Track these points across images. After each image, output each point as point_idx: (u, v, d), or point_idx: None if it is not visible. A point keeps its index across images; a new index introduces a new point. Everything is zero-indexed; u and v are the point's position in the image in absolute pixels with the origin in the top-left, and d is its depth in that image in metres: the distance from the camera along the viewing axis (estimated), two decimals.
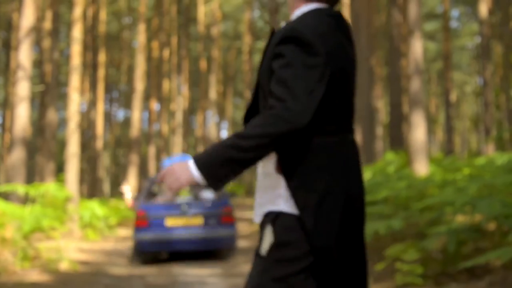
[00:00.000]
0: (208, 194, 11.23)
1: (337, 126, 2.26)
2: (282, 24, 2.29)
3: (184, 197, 11.91)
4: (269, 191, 2.27)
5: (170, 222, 10.44)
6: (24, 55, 14.22)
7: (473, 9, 47.29)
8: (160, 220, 10.43)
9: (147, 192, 11.25)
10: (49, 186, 11.72)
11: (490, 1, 27.80)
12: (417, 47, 12.45)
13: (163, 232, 10.37)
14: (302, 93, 2.07)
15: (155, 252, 10.65)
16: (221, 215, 10.57)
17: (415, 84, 12.30)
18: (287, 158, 2.21)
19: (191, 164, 2.12)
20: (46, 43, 22.93)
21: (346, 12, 31.91)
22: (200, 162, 2.10)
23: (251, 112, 2.39)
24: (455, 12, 53.61)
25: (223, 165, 2.08)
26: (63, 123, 54.92)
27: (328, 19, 2.28)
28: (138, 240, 10.45)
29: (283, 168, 2.21)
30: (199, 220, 10.46)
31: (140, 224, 10.46)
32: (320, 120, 2.21)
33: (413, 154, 12.12)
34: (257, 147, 2.06)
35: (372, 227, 7.43)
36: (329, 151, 2.23)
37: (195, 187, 10.97)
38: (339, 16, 2.35)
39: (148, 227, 10.40)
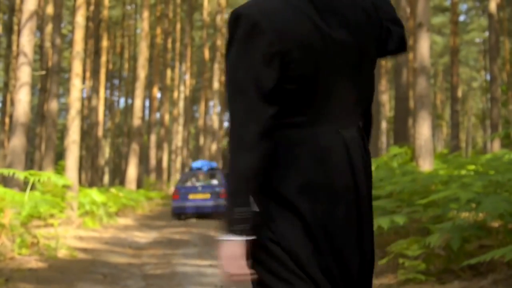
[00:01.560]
0: (214, 181, 18.73)
1: (309, 118, 1.98)
2: None
3: (201, 182, 18.80)
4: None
5: (191, 196, 18.04)
6: (26, 40, 14.06)
7: (482, 3, 47.03)
8: (186, 195, 18.04)
9: (181, 180, 19.47)
10: (48, 173, 11.61)
11: None
12: (424, 41, 12.29)
13: (186, 202, 17.98)
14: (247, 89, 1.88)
15: (181, 213, 18.12)
16: (220, 193, 17.51)
17: (422, 80, 12.15)
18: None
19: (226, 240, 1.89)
20: (49, 28, 22.80)
21: None
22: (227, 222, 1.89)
23: None
24: (463, 6, 53.34)
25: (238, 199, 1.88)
26: (63, 109, 54.84)
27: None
28: (173, 206, 18.34)
29: None
30: (207, 196, 17.96)
31: (174, 197, 18.33)
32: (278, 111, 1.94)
33: (418, 150, 11.99)
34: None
35: (376, 222, 7.31)
36: (290, 145, 1.97)
37: (208, 176, 18.91)
38: None
39: (178, 199, 18.11)
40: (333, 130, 2.00)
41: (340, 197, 1.98)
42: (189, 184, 18.88)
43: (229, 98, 1.92)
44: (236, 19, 1.92)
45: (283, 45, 1.90)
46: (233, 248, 1.87)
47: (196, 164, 19.92)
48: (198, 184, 18.63)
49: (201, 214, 18.03)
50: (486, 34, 45.62)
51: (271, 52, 1.89)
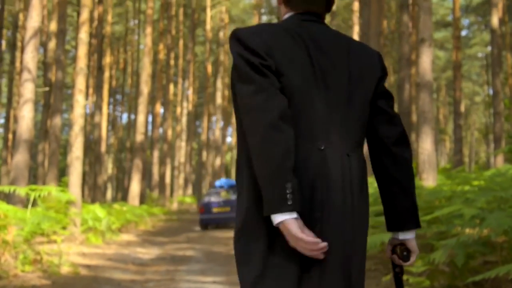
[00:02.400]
0: (233, 196, 21.04)
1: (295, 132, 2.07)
2: None
3: (222, 198, 21.36)
4: None
5: (214, 210, 20.98)
6: (30, 57, 14.12)
7: (484, 18, 47.17)
8: (210, 209, 21.01)
9: (206, 196, 21.81)
10: (49, 188, 11.60)
11: (501, 11, 27.64)
12: (427, 57, 12.30)
13: (211, 215, 20.99)
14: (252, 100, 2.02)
15: (207, 224, 21.14)
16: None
17: (424, 96, 12.16)
18: (237, 165, 2.21)
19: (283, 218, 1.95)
20: (52, 44, 22.88)
21: (356, 20, 31.82)
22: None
23: None
24: (465, 21, 53.54)
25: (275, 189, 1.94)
26: (66, 124, 54.94)
27: (293, 21, 2.22)
28: (200, 218, 21.20)
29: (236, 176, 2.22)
30: (227, 209, 20.88)
31: (201, 211, 21.18)
32: None
33: (421, 165, 11.97)
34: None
35: (379, 238, 7.27)
36: None
37: (228, 192, 21.60)
38: (315, 21, 2.26)
39: (204, 212, 21.05)
40: (315, 147, 2.09)
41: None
42: (212, 199, 21.38)
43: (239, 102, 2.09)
44: (234, 35, 2.12)
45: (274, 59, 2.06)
46: (291, 227, 1.93)
47: (219, 182, 22.65)
48: (220, 199, 21.25)
49: (222, 224, 21.42)
50: (489, 48, 45.71)
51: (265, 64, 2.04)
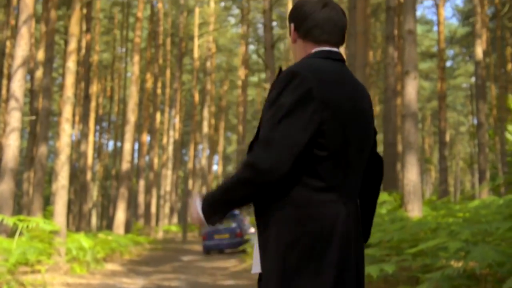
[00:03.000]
0: (234, 224, 23.16)
1: (327, 185, 2.19)
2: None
3: (223, 225, 22.66)
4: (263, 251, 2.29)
5: (216, 236, 22.97)
6: (17, 85, 14.12)
7: (468, 49, 47.72)
8: (212, 236, 23.01)
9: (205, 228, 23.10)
10: (37, 219, 11.53)
11: (485, 43, 28.00)
12: (412, 88, 12.42)
13: (212, 241, 22.99)
14: (280, 143, 2.09)
15: (209, 249, 23.02)
16: (236, 233, 22.90)
17: (409, 127, 12.25)
18: (262, 207, 2.26)
19: (199, 205, 2.33)
20: (39, 72, 22.88)
21: (342, 50, 32.10)
22: (203, 205, 2.31)
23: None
24: (450, 52, 54.14)
25: (215, 208, 2.28)
26: (52, 151, 54.68)
27: (334, 64, 2.32)
28: (203, 245, 23.15)
29: (256, 217, 2.28)
30: (227, 236, 22.89)
31: (204, 238, 23.15)
32: (301, 170, 2.18)
33: (406, 196, 12.02)
34: (241, 194, 2.19)
35: (365, 271, 7.29)
36: (299, 206, 2.18)
37: (229, 220, 23.14)
38: (343, 63, 2.38)
39: (207, 239, 23.06)
40: (340, 201, 2.21)
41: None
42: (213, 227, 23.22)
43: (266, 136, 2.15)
44: (292, 76, 2.17)
45: (324, 114, 2.15)
46: (197, 214, 2.36)
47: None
48: (220, 227, 22.93)
49: (222, 249, 23.36)
50: (473, 79, 46.18)
51: (313, 118, 2.13)
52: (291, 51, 2.40)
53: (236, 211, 24.54)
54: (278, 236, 2.17)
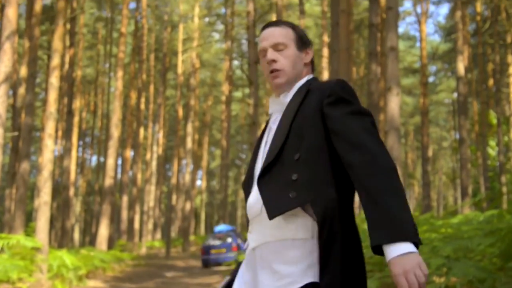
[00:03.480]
0: (229, 239, 24.80)
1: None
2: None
3: (219, 241, 24.80)
4: (299, 261, 2.21)
5: (212, 251, 24.45)
6: (0, 102, 14.04)
7: (451, 65, 48.14)
8: (209, 251, 24.50)
9: (206, 240, 25.49)
10: (18, 237, 11.43)
11: (467, 59, 28.26)
12: (394, 104, 12.50)
13: (210, 255, 24.41)
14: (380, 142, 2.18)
15: (207, 263, 24.35)
16: (232, 247, 24.27)
17: (392, 141, 12.31)
18: (331, 223, 2.19)
19: (411, 248, 1.96)
20: (22, 89, 22.77)
21: (325, 66, 32.28)
22: (416, 240, 1.98)
23: (271, 167, 2.30)
24: (432, 68, 54.59)
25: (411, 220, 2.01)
26: (34, 167, 54.31)
27: None
28: (202, 259, 24.66)
29: (327, 235, 2.18)
30: (223, 250, 24.34)
31: (202, 253, 24.78)
32: (350, 187, 2.31)
33: None
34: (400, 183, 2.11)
35: None
36: (354, 222, 2.27)
37: (225, 236, 25.21)
38: None
39: (205, 254, 24.59)
40: None
41: None
42: (211, 243, 25.01)
43: (366, 136, 2.18)
44: (346, 83, 2.33)
45: None
46: (418, 257, 1.97)
47: (218, 228, 26.94)
48: (217, 242, 24.77)
49: (219, 263, 24.32)
50: (455, 95, 46.54)
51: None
52: (287, 60, 2.36)
53: (232, 227, 27.53)
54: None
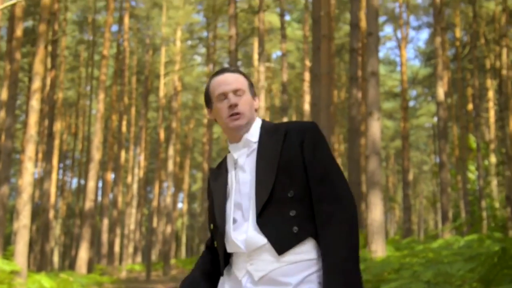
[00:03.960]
0: None
1: None
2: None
3: None
4: (298, 276, 2.43)
5: None
6: None
7: (431, 90, 48.60)
8: None
9: None
10: None
11: (446, 84, 28.56)
12: (375, 129, 12.60)
13: None
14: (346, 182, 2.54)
15: None
16: None
17: (373, 166, 12.39)
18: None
19: None
20: (2, 112, 22.63)
21: (307, 89, 32.46)
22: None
23: (268, 204, 2.49)
24: (413, 92, 55.09)
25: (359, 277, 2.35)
26: (13, 189, 53.81)
27: None
28: None
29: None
30: None
31: None
32: None
33: (370, 235, 12.09)
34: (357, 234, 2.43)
35: None
36: None
37: None
38: None
39: None
40: None
41: None
42: None
43: (338, 177, 2.51)
44: (318, 127, 2.60)
45: None
46: None
47: None
48: None
49: None
50: (435, 119, 46.94)
51: None
52: (245, 104, 2.61)
53: None
54: None
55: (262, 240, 2.46)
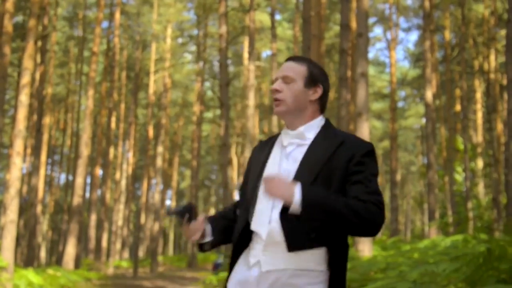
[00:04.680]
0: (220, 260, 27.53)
1: None
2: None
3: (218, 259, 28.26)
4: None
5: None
6: None
7: (419, 91, 48.77)
8: (218, 267, 27.23)
9: (216, 260, 28.81)
10: None
11: (435, 86, 28.71)
12: (364, 130, 12.68)
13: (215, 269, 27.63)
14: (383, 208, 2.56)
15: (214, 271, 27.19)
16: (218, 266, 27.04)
17: None
18: (337, 255, 2.58)
19: (298, 189, 2.41)
20: None
21: None
22: (309, 193, 2.41)
23: None
24: (402, 93, 55.28)
25: (325, 210, 2.41)
26: (0, 185, 53.60)
27: None
28: (213, 273, 26.84)
29: (333, 265, 2.56)
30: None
31: (213, 268, 28.62)
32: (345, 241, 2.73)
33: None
34: (357, 217, 2.45)
35: None
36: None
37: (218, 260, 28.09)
38: None
39: (214, 269, 28.10)
40: None
41: None
42: (219, 260, 27.77)
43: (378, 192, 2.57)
44: (374, 149, 2.66)
45: None
46: (290, 194, 2.49)
47: (218, 260, 29.01)
48: (223, 261, 26.53)
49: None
50: (423, 120, 47.13)
51: None
52: (290, 92, 2.54)
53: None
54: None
55: (281, 236, 2.54)
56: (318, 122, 2.73)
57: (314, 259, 2.54)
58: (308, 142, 2.67)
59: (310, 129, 2.70)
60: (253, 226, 2.64)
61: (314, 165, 2.58)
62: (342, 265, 2.59)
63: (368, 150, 2.63)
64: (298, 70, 2.71)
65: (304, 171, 2.58)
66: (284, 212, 2.50)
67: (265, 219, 2.61)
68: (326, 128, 2.72)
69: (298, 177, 2.56)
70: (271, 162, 2.72)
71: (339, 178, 2.56)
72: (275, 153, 2.74)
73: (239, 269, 2.69)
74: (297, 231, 2.51)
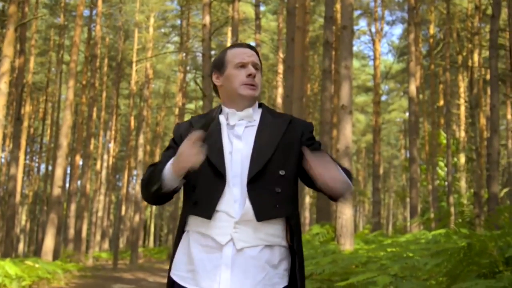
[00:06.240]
0: None
1: None
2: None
3: None
4: (280, 265, 2.68)
5: None
6: None
7: (403, 85, 48.89)
8: None
9: None
10: None
11: (419, 80, 28.72)
12: (346, 123, 12.57)
13: None
14: None
15: None
16: None
17: (344, 161, 12.37)
18: (296, 228, 2.72)
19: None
20: None
21: (280, 81, 32.38)
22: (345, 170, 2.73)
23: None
24: (385, 87, 55.44)
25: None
26: None
27: None
28: None
29: (295, 238, 2.71)
30: None
31: None
32: None
33: (339, 229, 12.09)
34: None
35: None
36: None
37: None
38: None
39: None
40: None
41: None
42: None
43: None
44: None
45: None
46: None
47: None
48: None
49: None
50: (407, 114, 47.26)
51: None
52: (259, 80, 2.69)
53: None
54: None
55: (252, 212, 2.61)
56: (257, 105, 2.92)
57: (280, 234, 2.67)
58: (256, 123, 2.81)
59: (256, 111, 2.88)
60: (222, 206, 2.65)
61: (270, 142, 2.72)
62: (300, 238, 2.72)
63: (313, 128, 2.92)
64: (259, 60, 2.92)
65: (261, 149, 2.70)
66: (252, 189, 2.61)
67: (235, 197, 2.65)
68: (268, 110, 2.92)
69: (256, 154, 2.67)
70: (225, 141, 2.77)
71: (293, 152, 2.74)
72: (224, 133, 2.80)
73: (196, 251, 2.67)
74: (263, 202, 2.62)
